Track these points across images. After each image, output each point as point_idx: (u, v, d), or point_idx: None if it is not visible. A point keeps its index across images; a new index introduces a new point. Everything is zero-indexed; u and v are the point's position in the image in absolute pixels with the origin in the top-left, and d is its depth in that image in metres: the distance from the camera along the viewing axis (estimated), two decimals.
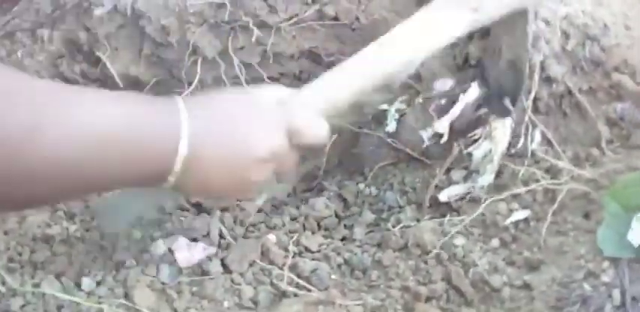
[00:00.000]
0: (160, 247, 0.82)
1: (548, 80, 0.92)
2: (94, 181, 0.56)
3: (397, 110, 1.02)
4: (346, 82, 0.71)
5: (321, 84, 0.71)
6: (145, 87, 1.03)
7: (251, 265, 0.85)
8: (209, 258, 0.84)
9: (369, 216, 0.96)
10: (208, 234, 0.86)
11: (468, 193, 0.92)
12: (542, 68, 0.92)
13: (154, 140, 0.56)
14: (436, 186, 0.95)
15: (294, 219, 0.94)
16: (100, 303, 0.73)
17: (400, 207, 0.96)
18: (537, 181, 0.87)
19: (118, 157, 0.54)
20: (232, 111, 0.62)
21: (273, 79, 1.10)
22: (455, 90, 0.97)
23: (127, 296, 0.75)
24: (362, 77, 0.72)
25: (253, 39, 1.02)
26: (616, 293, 0.71)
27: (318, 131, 0.67)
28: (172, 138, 0.57)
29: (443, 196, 0.93)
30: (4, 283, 0.73)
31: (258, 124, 0.63)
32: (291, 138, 0.64)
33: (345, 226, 0.95)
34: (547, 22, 0.91)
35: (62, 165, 0.51)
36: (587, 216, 0.81)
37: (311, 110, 0.68)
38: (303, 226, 0.94)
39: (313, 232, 0.93)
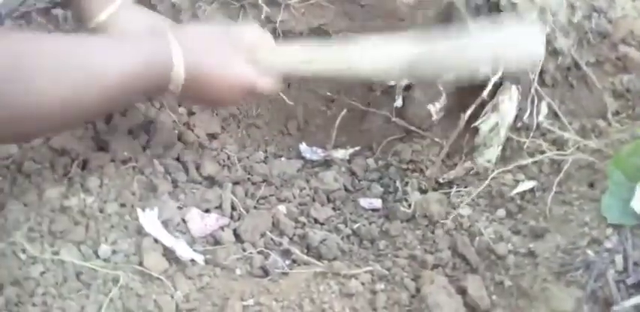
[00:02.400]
0: (174, 217, 0.84)
1: (554, 53, 0.93)
2: (99, 111, 0.75)
3: (404, 85, 1.03)
4: (312, 59, 0.82)
5: (292, 51, 0.83)
6: None
7: (262, 235, 0.87)
8: (222, 228, 0.86)
9: (377, 189, 0.98)
10: (220, 206, 0.89)
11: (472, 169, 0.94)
12: (549, 41, 0.92)
13: (153, 69, 0.71)
14: (443, 160, 0.97)
15: (304, 192, 0.96)
16: (116, 269, 0.76)
17: (407, 181, 0.97)
18: (543, 152, 0.88)
19: (123, 89, 0.69)
20: (216, 43, 0.79)
21: None
22: None
23: (142, 264, 0.77)
24: (328, 63, 0.82)
25: (263, 16, 1.03)
26: (619, 259, 0.72)
27: (269, 90, 0.83)
28: (168, 64, 0.72)
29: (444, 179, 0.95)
30: (24, 251, 0.76)
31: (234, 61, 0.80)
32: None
33: (353, 199, 0.97)
34: None
35: (59, 104, 0.63)
36: (592, 185, 0.82)
37: (270, 70, 0.82)
38: (313, 198, 0.96)
39: (323, 205, 0.95)
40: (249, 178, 0.96)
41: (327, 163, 1.05)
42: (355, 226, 0.91)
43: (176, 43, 0.73)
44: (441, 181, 0.94)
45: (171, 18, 1.01)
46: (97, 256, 0.78)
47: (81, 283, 0.75)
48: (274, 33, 1.07)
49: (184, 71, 0.73)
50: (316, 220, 0.92)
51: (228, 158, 0.98)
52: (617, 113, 0.91)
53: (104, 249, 0.78)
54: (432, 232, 0.87)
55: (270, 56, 0.83)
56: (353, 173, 1.03)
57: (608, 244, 0.73)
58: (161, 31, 0.76)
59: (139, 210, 0.81)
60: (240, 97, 0.83)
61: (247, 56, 0.80)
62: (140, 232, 0.81)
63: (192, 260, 0.80)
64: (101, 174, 0.86)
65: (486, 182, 0.88)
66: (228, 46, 0.79)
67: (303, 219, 0.91)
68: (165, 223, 0.83)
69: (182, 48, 0.73)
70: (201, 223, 0.85)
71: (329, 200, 0.96)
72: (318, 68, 0.83)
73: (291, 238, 0.88)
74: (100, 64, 0.67)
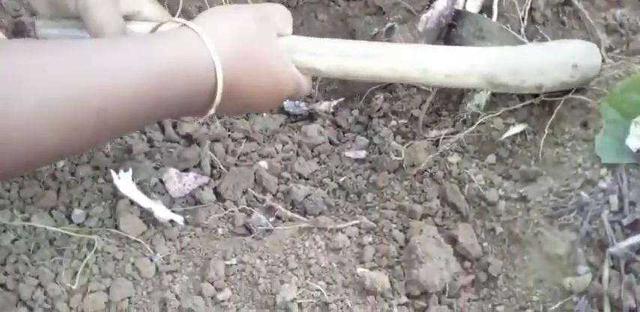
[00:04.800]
0: (150, 178, 0.81)
1: None
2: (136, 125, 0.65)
3: (385, 31, 0.98)
4: (337, 55, 0.72)
5: (323, 45, 0.72)
6: None
7: (244, 192, 0.84)
8: (201, 187, 0.83)
9: (363, 141, 0.94)
10: (199, 164, 0.85)
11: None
12: None
13: (189, 78, 0.59)
14: (429, 108, 0.93)
15: (287, 147, 0.92)
16: (91, 234, 0.73)
17: (394, 130, 0.93)
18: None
19: (159, 106, 0.58)
20: (254, 32, 0.64)
21: None
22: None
23: (118, 227, 0.74)
24: (349, 61, 0.72)
25: None
26: (614, 199, 0.68)
27: (309, 89, 0.74)
28: (207, 71, 0.59)
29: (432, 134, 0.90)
30: None
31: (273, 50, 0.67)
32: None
33: (339, 152, 0.93)
34: None
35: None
36: (585, 125, 0.78)
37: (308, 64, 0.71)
38: (297, 153, 0.92)
39: (307, 159, 0.91)
40: (229, 135, 0.92)
41: (311, 117, 1.01)
42: (341, 179, 0.88)
43: (206, 37, 0.60)
44: (428, 129, 0.90)
45: None
46: (71, 221, 0.75)
47: (54, 249, 0.72)
48: None
49: (222, 72, 0.60)
50: (300, 175, 0.89)
51: None
52: (610, 49, 0.86)
53: (77, 213, 0.75)
54: (421, 182, 0.84)
55: (309, 48, 0.70)
56: (338, 126, 0.99)
57: (602, 185, 0.70)
58: (178, 26, 0.61)
59: (112, 172, 0.78)
60: (283, 98, 0.70)
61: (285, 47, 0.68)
62: (115, 194, 0.78)
63: (172, 221, 0.77)
64: None
65: (473, 127, 0.84)
66: (268, 35, 0.66)
67: (286, 174, 0.88)
68: (142, 185, 0.79)
69: (214, 43, 0.60)
70: (180, 183, 0.82)
71: (313, 154, 0.93)
72: (377, 67, 0.71)
73: (274, 195, 0.85)
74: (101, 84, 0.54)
